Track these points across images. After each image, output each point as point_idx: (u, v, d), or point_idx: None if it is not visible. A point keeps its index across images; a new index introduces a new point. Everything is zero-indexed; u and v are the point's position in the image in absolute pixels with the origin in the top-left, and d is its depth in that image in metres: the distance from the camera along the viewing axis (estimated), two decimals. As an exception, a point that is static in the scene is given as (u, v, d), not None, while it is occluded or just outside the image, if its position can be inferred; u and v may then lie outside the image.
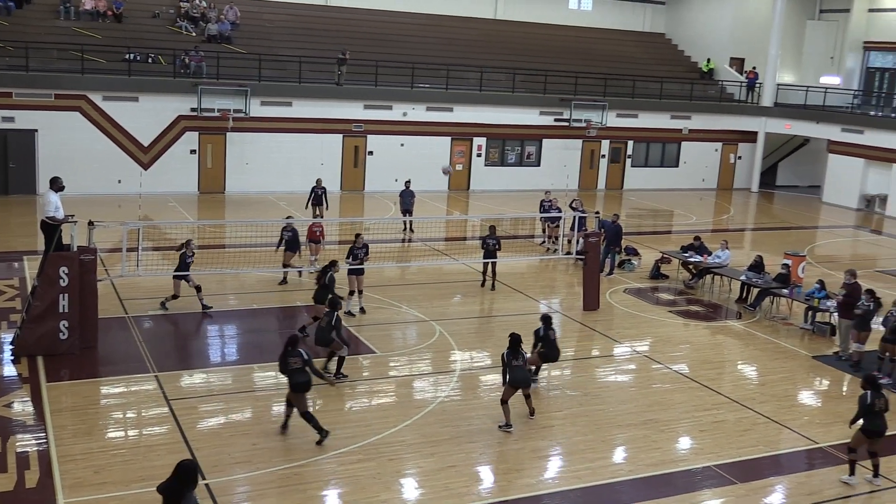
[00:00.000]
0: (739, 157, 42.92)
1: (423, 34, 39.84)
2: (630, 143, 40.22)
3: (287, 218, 21.48)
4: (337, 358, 14.86)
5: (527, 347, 14.02)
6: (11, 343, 15.33)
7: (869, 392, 12.20)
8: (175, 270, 18.13)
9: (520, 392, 13.49)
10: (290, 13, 38.25)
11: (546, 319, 14.92)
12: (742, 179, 42.91)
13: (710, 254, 22.74)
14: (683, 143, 41.46)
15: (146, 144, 31.38)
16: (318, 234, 21.42)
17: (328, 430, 12.53)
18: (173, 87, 31.43)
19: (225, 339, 17.43)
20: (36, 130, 29.77)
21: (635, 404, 14.72)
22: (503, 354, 13.52)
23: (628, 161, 40.45)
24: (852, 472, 12.34)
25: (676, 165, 41.59)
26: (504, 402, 13.40)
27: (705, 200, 39.16)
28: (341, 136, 34.40)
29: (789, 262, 21.40)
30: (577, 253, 21.09)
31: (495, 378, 15.56)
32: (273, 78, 33.36)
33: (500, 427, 13.34)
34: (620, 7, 46.12)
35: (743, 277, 21.26)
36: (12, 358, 14.93)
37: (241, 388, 14.49)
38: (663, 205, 36.83)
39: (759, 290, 20.73)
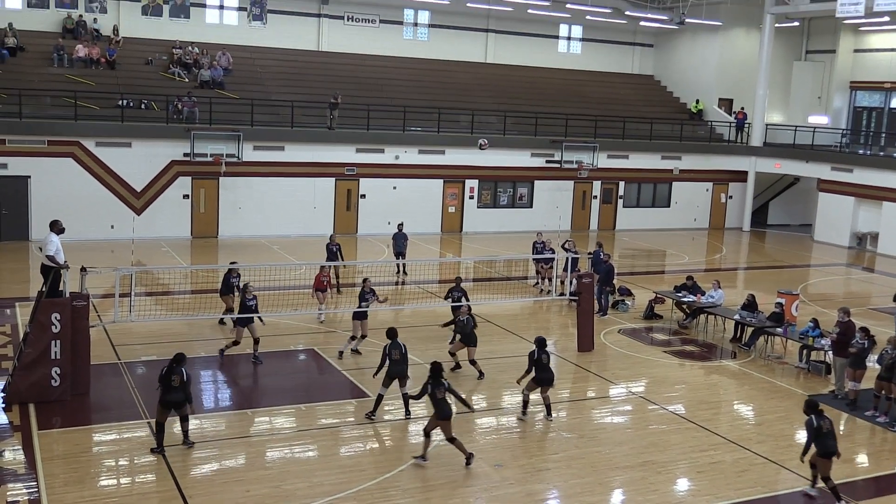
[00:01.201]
0: (730, 197, 43.17)
1: (415, 78, 40.20)
2: (621, 183, 40.45)
3: (232, 263, 21.28)
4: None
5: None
6: (3, 390, 15.19)
7: (813, 416, 12.67)
8: (239, 315, 17.99)
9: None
10: (282, 58, 38.59)
11: (540, 342, 15.14)
12: (733, 219, 43.11)
13: (703, 293, 22.76)
14: (674, 183, 41.71)
15: (139, 190, 31.43)
16: (325, 283, 21.22)
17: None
18: (166, 132, 31.57)
19: (218, 384, 17.31)
20: (29, 177, 29.81)
21: (632, 446, 14.63)
22: (426, 384, 13.49)
23: (620, 202, 40.65)
24: (839, 499, 12.63)
25: (668, 205, 41.81)
26: (427, 433, 13.45)
27: (697, 240, 39.31)
28: (334, 179, 34.52)
29: (783, 300, 21.42)
30: (571, 294, 21.10)
31: (491, 421, 15.51)
32: (265, 122, 33.56)
33: (414, 458, 13.40)
34: (609, 49, 46.67)
35: (737, 317, 21.26)
36: (3, 405, 14.80)
37: (235, 433, 14.37)
38: (656, 245, 36.94)
39: (753, 329, 20.73)
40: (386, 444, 14.39)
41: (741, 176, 42.56)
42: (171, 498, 11.86)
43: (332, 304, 22.45)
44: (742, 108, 43.49)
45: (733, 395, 17.81)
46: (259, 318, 18.39)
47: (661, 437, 15.06)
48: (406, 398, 15.16)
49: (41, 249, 16.18)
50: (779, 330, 20.19)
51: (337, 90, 35.15)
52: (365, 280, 18.89)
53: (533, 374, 15.27)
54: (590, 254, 24.18)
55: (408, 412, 15.20)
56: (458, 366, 17.99)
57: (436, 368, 13.57)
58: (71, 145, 30.31)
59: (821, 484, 12.91)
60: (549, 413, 15.40)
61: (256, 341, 17.92)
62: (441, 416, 13.27)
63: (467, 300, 19.79)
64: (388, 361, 15.05)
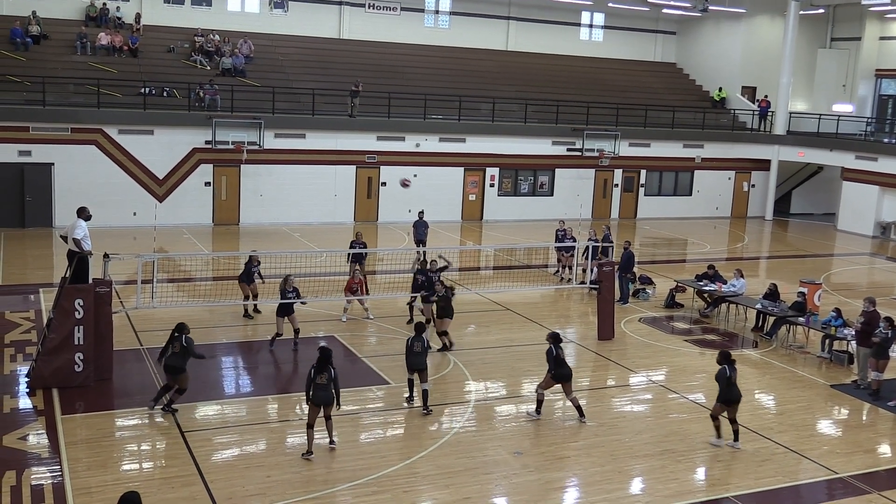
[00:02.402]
0: (753, 186, 42.86)
1: (436, 66, 40.12)
2: (643, 171, 40.24)
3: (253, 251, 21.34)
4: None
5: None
6: (27, 375, 15.37)
7: (726, 366, 13.93)
8: (278, 307, 18.00)
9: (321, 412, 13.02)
10: (303, 46, 38.62)
11: (555, 338, 14.94)
12: (756, 207, 42.79)
13: (724, 282, 22.63)
14: (696, 172, 41.45)
15: (161, 177, 31.60)
16: (355, 289, 20.92)
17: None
18: (188, 120, 31.70)
19: (239, 370, 17.41)
20: (52, 164, 30.05)
21: (652, 434, 14.59)
22: (310, 371, 13.01)
23: (641, 190, 40.45)
24: (719, 436, 14.17)
25: (690, 194, 41.56)
26: (310, 426, 12.98)
27: (719, 229, 39.07)
28: (354, 167, 34.56)
29: (805, 290, 21.26)
30: (591, 282, 21.04)
31: (510, 409, 15.52)
32: (286, 110, 33.61)
33: (303, 455, 12.92)
34: (631, 37, 46.36)
35: (758, 306, 21.12)
36: (28, 390, 14.97)
37: (256, 419, 14.46)
38: (677, 233, 36.75)
39: (775, 318, 20.60)
40: (406, 431, 14.42)
41: (764, 165, 42.22)
42: (192, 482, 11.96)
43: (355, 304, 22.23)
44: (766, 97, 43.11)
45: (755, 384, 17.70)
46: (302, 302, 18.39)
47: (682, 426, 15.01)
48: (426, 394, 15.09)
49: (64, 238, 16.26)
50: (801, 319, 20.05)
51: (358, 78, 35.14)
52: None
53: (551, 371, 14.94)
54: (627, 242, 24.07)
55: (426, 408, 15.05)
56: (446, 346, 18.30)
57: (325, 354, 13.13)
58: (94, 133, 30.50)
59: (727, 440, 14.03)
60: (581, 414, 14.92)
61: (296, 331, 18.00)
62: (318, 401, 12.89)
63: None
64: (409, 353, 15.01)
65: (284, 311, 17.89)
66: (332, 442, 13.27)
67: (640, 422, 15.27)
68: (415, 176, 35.31)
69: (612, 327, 20.09)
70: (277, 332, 17.92)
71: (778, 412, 16.16)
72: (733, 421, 14.12)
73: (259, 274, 20.32)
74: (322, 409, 12.97)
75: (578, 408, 14.91)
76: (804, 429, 15.25)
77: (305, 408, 13.32)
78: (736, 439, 14.14)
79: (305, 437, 13.05)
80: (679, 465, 13.41)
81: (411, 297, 19.99)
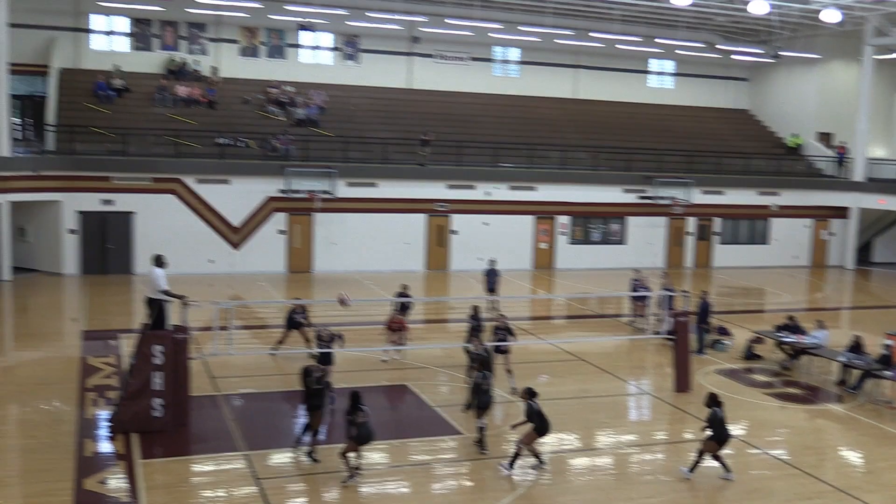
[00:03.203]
0: (832, 234, 41.86)
1: (505, 114, 40.36)
2: (717, 219, 39.65)
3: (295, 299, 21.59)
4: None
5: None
6: (108, 420, 15.63)
7: (717, 409, 14.37)
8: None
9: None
10: (375, 97, 39.25)
11: (531, 393, 14.58)
12: (836, 256, 41.74)
13: (805, 334, 22.00)
14: (773, 220, 40.69)
15: (237, 225, 32.24)
16: (396, 328, 21.12)
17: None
18: (263, 169, 32.38)
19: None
20: (133, 213, 30.90)
21: (733, 491, 14.12)
22: (346, 410, 13.73)
23: (716, 238, 39.82)
24: (692, 469, 14.38)
25: (766, 242, 40.78)
26: (345, 454, 13.69)
27: (797, 278, 38.14)
28: (425, 215, 34.79)
29: (891, 342, 20.50)
30: (667, 332, 20.63)
31: (585, 461, 15.21)
32: (358, 159, 34.11)
33: (349, 479, 13.51)
34: (702, 84, 46.05)
35: (842, 358, 20.44)
36: (109, 434, 15.21)
37: (329, 468, 14.42)
38: (754, 283, 35.99)
39: (861, 372, 19.90)
40: (478, 483, 14.21)
41: (843, 212, 41.26)
42: (267, 531, 11.95)
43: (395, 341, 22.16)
44: (842, 142, 42.24)
45: (840, 440, 17.08)
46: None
47: (764, 483, 14.51)
48: (481, 431, 15.00)
49: (150, 286, 16.57)
50: (888, 373, 19.33)
51: (428, 127, 35.52)
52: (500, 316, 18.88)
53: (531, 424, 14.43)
54: (666, 289, 23.61)
55: (482, 446, 15.02)
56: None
57: (355, 398, 13.74)
58: (173, 182, 31.34)
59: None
60: (541, 462, 14.53)
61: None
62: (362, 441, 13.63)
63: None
64: (479, 392, 15.03)
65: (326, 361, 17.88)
66: (357, 470, 13.74)
67: (720, 478, 14.79)
68: (485, 224, 35.36)
69: (689, 379, 19.63)
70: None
71: (867, 471, 15.51)
72: (718, 458, 14.48)
73: (306, 319, 20.58)
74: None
75: (538, 454, 14.60)
76: (895, 488, 14.60)
77: (373, 456, 13.43)
78: (728, 471, 14.50)
79: (346, 465, 13.61)
80: (763, 524, 12.93)
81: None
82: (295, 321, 20.57)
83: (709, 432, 14.39)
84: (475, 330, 19.50)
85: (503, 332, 18.81)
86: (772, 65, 44.46)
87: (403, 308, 22.16)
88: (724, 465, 14.39)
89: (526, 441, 14.34)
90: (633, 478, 14.56)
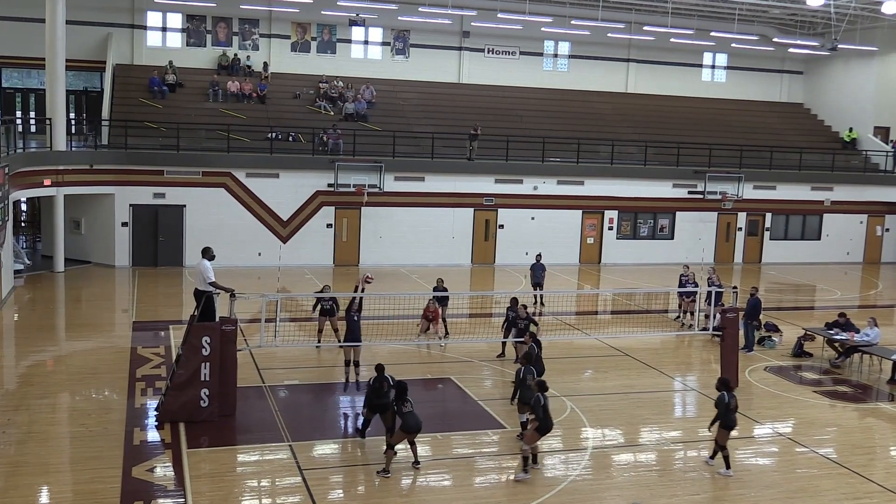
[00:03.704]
0: (887, 230, 40.95)
1: (554, 108, 40.15)
2: (768, 215, 39.03)
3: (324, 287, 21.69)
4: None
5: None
6: (156, 409, 15.94)
7: (725, 393, 14.29)
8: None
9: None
10: (423, 91, 39.33)
11: (542, 386, 14.34)
12: (890, 253, 40.84)
13: (857, 331, 21.58)
14: (825, 215, 39.93)
15: (285, 218, 32.58)
16: (431, 316, 21.80)
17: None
18: (312, 163, 32.65)
19: (356, 410, 17.55)
20: (185, 206, 31.39)
21: (779, 490, 13.93)
22: (393, 402, 14.06)
23: (766, 234, 39.21)
24: (728, 466, 14.29)
25: (818, 238, 40.03)
26: (391, 446, 13.89)
27: (850, 275, 37.39)
28: (472, 209, 34.79)
29: (946, 340, 20.06)
30: (714, 328, 20.40)
31: (629, 457, 15.12)
32: (406, 154, 34.20)
33: (378, 473, 13.68)
34: (756, 77, 45.31)
35: (895, 357, 20.02)
36: (156, 424, 15.51)
37: (371, 460, 14.53)
38: (805, 279, 35.38)
39: (913, 370, 19.48)
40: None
41: (899, 208, 40.37)
42: (309, 521, 12.09)
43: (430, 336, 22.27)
44: (900, 137, 41.32)
45: (890, 439, 16.75)
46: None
47: (811, 482, 14.29)
48: (524, 426, 15.04)
49: (197, 278, 16.87)
50: (942, 372, 18.90)
51: (476, 121, 35.50)
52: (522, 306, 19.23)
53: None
54: (714, 284, 23.22)
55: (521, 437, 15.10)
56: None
57: (401, 389, 13.99)
58: (223, 176, 31.76)
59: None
60: (535, 461, 14.24)
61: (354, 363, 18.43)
62: (409, 429, 13.83)
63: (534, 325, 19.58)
64: (522, 387, 15.05)
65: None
66: (417, 462, 13.96)
67: (767, 476, 14.60)
68: (532, 219, 35.26)
69: (736, 376, 19.37)
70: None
71: (918, 471, 15.19)
72: (723, 448, 14.38)
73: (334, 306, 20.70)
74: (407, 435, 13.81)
75: (535, 455, 14.27)
76: (947, 490, 14.28)
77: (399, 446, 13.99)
78: (728, 466, 14.39)
79: (386, 458, 13.76)
80: (809, 524, 12.75)
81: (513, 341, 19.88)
82: (324, 308, 20.63)
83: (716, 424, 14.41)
84: (512, 323, 19.52)
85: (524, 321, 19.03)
86: (827, 57, 43.57)
87: (439, 301, 22.33)
88: (726, 458, 14.38)
89: (529, 441, 14.09)
90: (676, 474, 14.44)
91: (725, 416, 14.24)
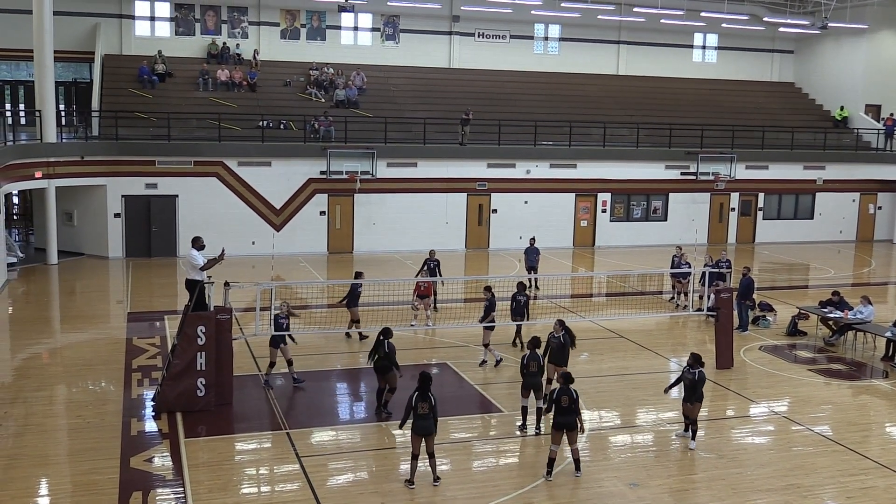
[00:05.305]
0: (879, 208, 41.08)
1: (545, 92, 40.09)
2: (761, 195, 39.09)
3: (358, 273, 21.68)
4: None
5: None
6: (153, 399, 15.95)
7: (690, 367, 14.60)
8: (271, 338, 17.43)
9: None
10: (414, 76, 39.21)
11: (568, 378, 13.51)
12: (883, 230, 40.99)
13: (850, 309, 21.68)
14: (818, 194, 40.02)
15: (278, 207, 32.52)
16: (422, 289, 21.85)
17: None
18: (304, 151, 32.57)
19: (353, 396, 17.61)
20: (177, 196, 31.31)
21: (775, 468, 14.01)
22: (410, 397, 12.89)
23: (759, 214, 39.28)
24: (694, 438, 14.79)
25: (811, 217, 40.13)
26: (415, 456, 12.85)
27: (843, 253, 37.52)
28: (465, 194, 34.77)
29: (939, 317, 20.15)
30: (709, 309, 20.46)
31: (626, 438, 15.19)
32: (398, 140, 34.14)
33: (406, 483, 12.92)
34: (747, 57, 45.26)
35: (888, 334, 20.12)
36: (153, 414, 15.52)
37: (370, 445, 14.59)
38: (798, 258, 35.48)
39: (907, 347, 19.58)
40: (520, 460, 14.28)
41: (891, 186, 40.45)
42: (308, 507, 12.13)
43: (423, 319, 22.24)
44: (891, 114, 41.33)
45: (885, 416, 16.84)
46: (290, 337, 17.59)
47: (807, 460, 14.38)
48: (540, 412, 15.07)
49: (188, 267, 16.78)
50: (936, 348, 19.00)
51: (468, 106, 35.43)
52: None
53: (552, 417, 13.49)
54: (708, 265, 23.24)
55: (539, 428, 15.06)
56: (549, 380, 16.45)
57: (425, 380, 12.94)
58: (215, 165, 31.67)
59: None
60: (577, 468, 13.45)
61: (290, 362, 17.36)
62: (420, 432, 12.80)
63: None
64: (525, 372, 15.03)
65: (276, 340, 17.11)
66: (435, 480, 12.95)
67: (763, 454, 14.69)
68: (525, 203, 35.25)
69: (731, 356, 19.47)
70: (270, 360, 17.30)
71: (912, 446, 15.29)
72: (694, 422, 14.84)
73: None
74: (424, 441, 12.83)
75: (577, 460, 13.52)
76: (942, 465, 14.38)
77: (398, 433, 13.79)
78: (693, 438, 14.83)
79: (413, 466, 12.99)
80: (805, 501, 12.82)
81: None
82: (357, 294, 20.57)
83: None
84: (519, 307, 19.58)
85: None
86: (818, 36, 43.56)
87: (431, 273, 22.41)
88: (693, 432, 14.81)
89: (553, 440, 13.51)
90: (674, 454, 14.51)
91: (690, 389, 14.65)
